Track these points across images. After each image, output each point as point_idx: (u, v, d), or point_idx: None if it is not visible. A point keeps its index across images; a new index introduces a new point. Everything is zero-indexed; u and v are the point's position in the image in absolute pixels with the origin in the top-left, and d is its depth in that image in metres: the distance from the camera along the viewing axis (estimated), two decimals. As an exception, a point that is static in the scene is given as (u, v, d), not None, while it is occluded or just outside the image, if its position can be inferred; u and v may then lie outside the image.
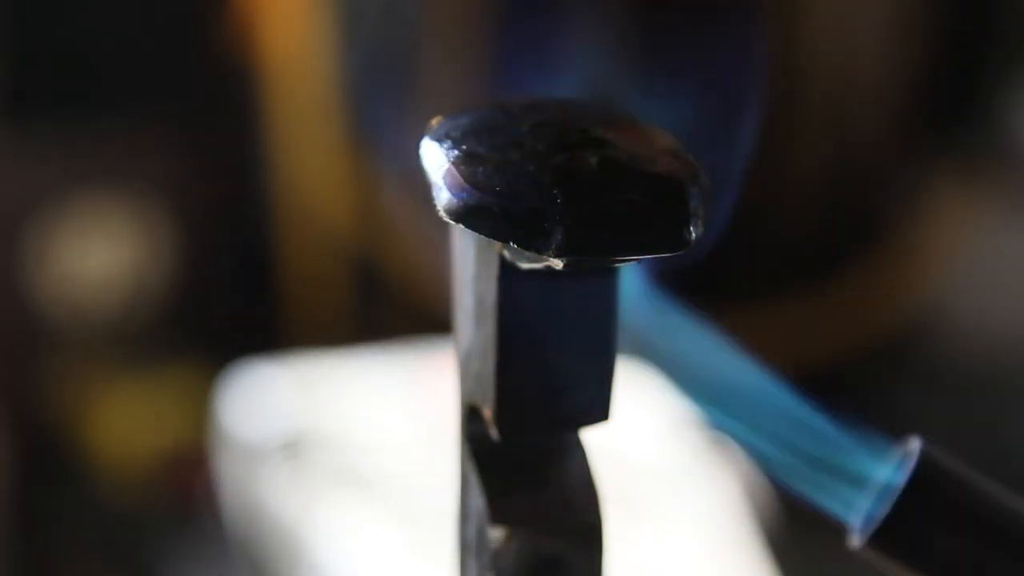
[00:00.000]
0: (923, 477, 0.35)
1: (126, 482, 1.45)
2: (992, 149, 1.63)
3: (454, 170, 0.34)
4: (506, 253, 0.35)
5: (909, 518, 0.35)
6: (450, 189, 0.33)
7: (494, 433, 0.36)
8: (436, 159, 0.34)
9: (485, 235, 0.33)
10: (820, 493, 0.36)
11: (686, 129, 0.35)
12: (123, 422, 1.48)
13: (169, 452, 1.45)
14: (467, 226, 0.33)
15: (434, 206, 0.34)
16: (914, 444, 0.35)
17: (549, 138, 0.34)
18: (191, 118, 1.56)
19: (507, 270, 0.35)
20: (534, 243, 0.32)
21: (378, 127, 1.50)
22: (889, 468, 0.35)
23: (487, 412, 0.36)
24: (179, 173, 1.56)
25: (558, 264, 0.33)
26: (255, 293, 1.56)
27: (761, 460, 0.37)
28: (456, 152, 0.34)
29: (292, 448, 0.94)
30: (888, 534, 0.35)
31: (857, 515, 0.36)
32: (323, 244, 1.54)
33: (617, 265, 0.35)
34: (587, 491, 0.37)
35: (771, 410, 0.37)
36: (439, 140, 0.35)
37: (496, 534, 0.36)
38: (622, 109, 0.36)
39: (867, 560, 0.36)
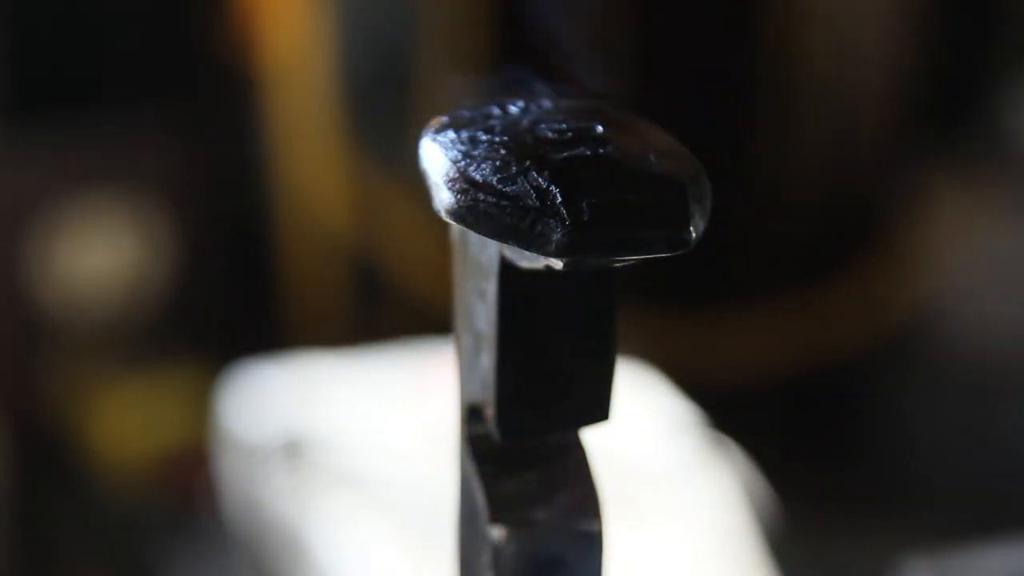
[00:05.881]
0: None
1: (126, 482, 1.45)
2: (992, 149, 1.63)
3: (454, 170, 0.34)
4: (506, 253, 0.35)
5: None
6: (450, 189, 0.33)
7: (494, 433, 0.36)
8: (436, 159, 0.34)
9: (485, 235, 0.33)
10: None
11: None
12: (123, 422, 1.48)
13: (169, 452, 1.45)
14: (467, 226, 0.33)
15: (434, 206, 0.34)
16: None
17: (549, 138, 0.34)
18: (191, 118, 1.56)
19: (507, 270, 0.35)
20: (534, 243, 0.32)
21: (377, 126, 1.50)
22: None
23: (487, 412, 0.36)
24: (179, 173, 1.55)
25: (558, 264, 0.33)
26: (255, 293, 1.56)
27: None
28: (456, 152, 0.34)
29: (292, 448, 0.94)
30: None
31: None
32: (323, 244, 1.54)
33: (617, 265, 0.35)
34: (587, 491, 0.37)
35: None
36: (439, 140, 0.35)
37: (496, 534, 0.36)
38: (622, 109, 0.36)
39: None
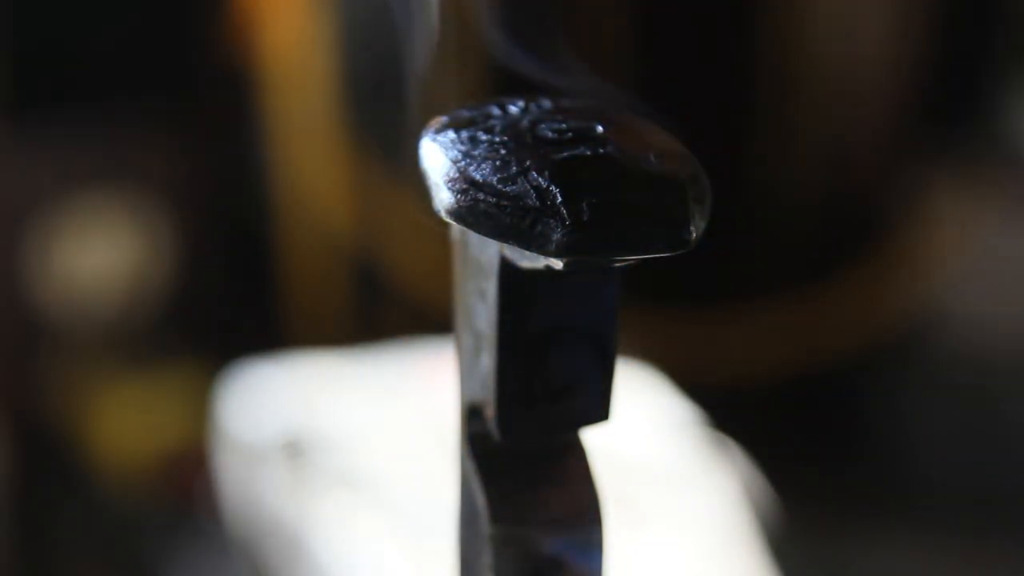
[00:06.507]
0: None
1: (126, 482, 1.45)
2: (992, 149, 1.63)
3: (454, 170, 0.34)
4: (506, 253, 0.35)
5: None
6: (450, 189, 0.33)
7: (494, 433, 0.36)
8: (436, 159, 0.34)
9: (485, 235, 0.33)
10: None
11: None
12: (123, 422, 1.48)
13: (169, 452, 1.45)
14: (467, 226, 0.33)
15: (434, 206, 0.34)
16: None
17: (549, 138, 0.34)
18: (191, 118, 1.56)
19: (507, 270, 0.35)
20: (534, 243, 0.32)
21: (378, 127, 1.50)
22: None
23: (487, 412, 0.36)
24: (179, 173, 1.56)
25: (558, 264, 0.33)
26: (255, 293, 1.56)
27: None
28: (456, 152, 0.34)
29: (292, 448, 0.94)
30: None
31: None
32: (323, 244, 1.54)
33: (617, 265, 0.35)
34: (587, 491, 0.37)
35: None
36: (439, 140, 0.35)
37: (496, 534, 0.36)
38: (622, 108, 0.36)
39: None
